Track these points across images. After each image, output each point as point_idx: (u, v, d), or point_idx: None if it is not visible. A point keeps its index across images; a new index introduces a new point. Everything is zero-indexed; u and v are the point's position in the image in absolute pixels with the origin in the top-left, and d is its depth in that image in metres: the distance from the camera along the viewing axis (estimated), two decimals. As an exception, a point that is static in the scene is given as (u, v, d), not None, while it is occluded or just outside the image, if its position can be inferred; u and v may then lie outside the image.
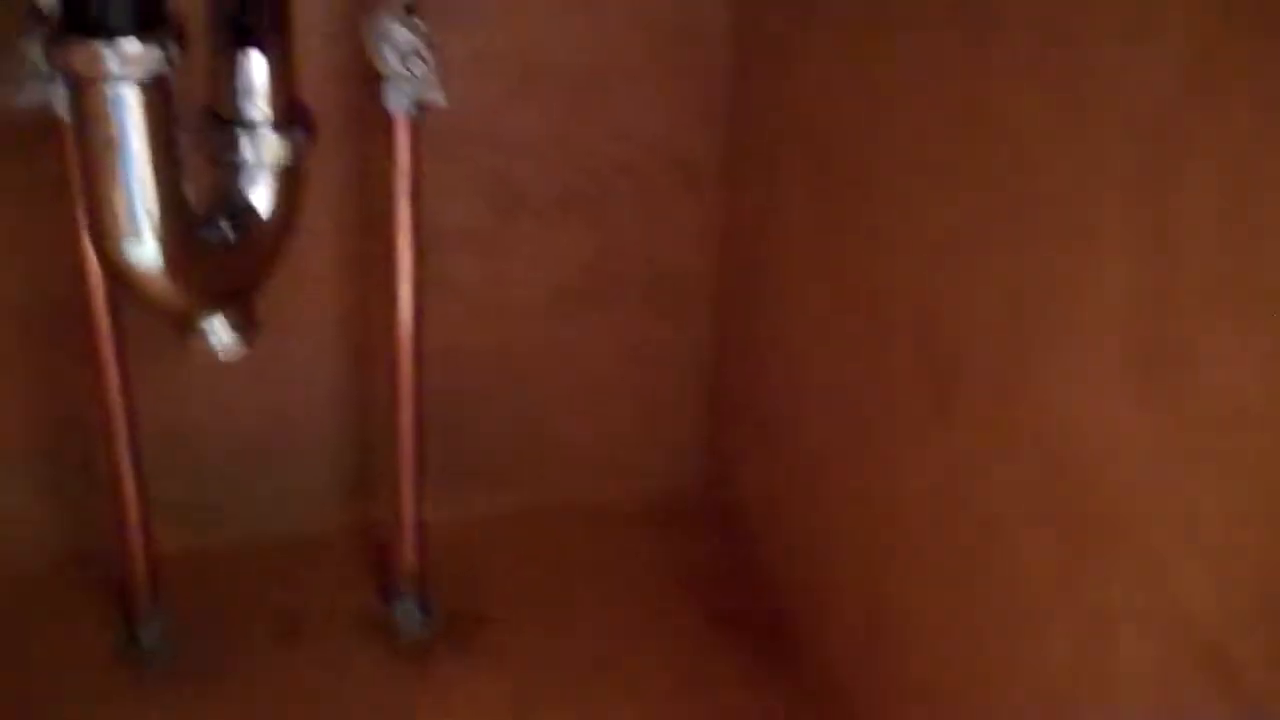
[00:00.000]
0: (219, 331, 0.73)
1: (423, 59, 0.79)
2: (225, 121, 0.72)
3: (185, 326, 0.73)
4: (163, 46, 0.61)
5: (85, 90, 0.61)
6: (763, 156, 0.95)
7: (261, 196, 0.73)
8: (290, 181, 0.74)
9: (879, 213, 0.79)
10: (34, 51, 0.77)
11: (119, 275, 0.66)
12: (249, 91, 0.72)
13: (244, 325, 0.74)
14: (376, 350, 0.94)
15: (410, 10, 0.79)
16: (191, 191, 0.67)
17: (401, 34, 0.79)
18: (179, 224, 0.65)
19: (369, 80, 0.81)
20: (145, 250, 0.64)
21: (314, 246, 0.91)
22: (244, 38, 0.71)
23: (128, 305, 0.83)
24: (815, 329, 0.89)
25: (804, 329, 0.91)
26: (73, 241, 0.80)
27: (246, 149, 0.72)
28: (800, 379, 0.92)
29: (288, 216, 0.75)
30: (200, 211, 0.70)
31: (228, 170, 0.73)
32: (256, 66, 0.72)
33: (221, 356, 0.73)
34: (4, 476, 0.97)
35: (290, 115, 0.74)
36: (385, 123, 0.82)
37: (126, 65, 0.60)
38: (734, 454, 1.06)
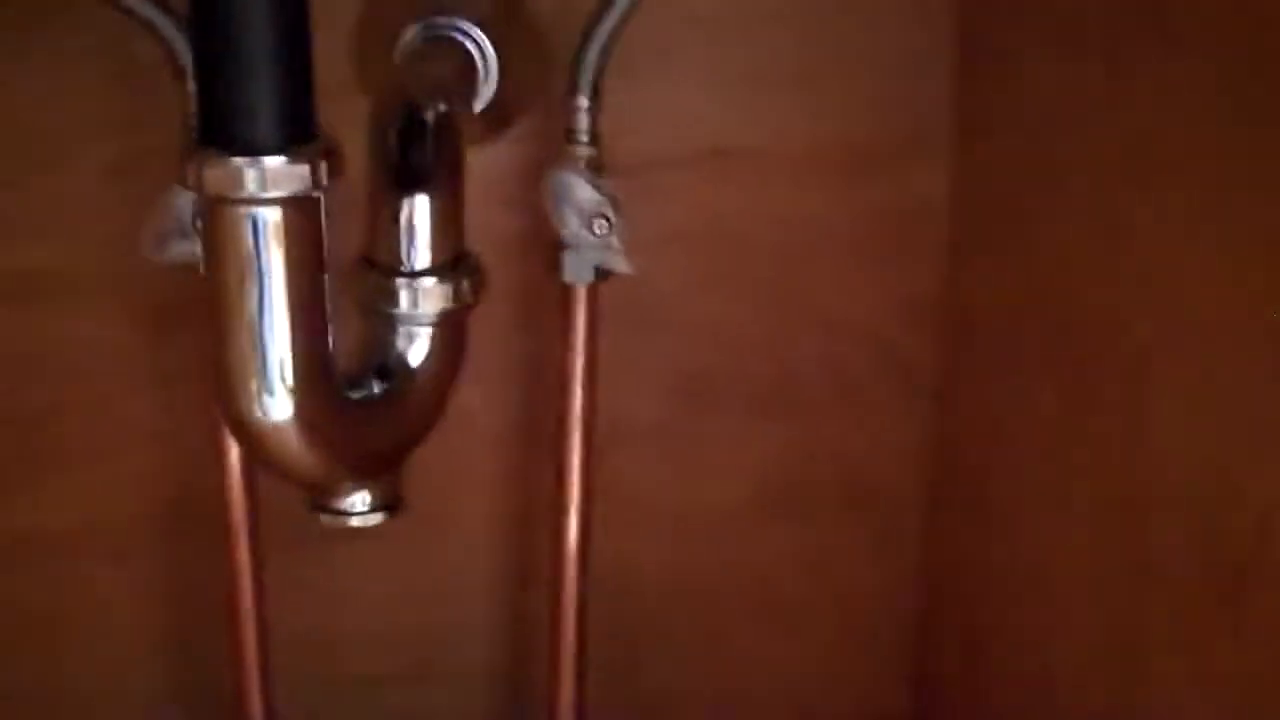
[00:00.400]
0: (358, 507, 0.63)
1: (609, 222, 0.71)
2: (382, 268, 0.63)
3: (319, 502, 0.63)
4: (312, 166, 0.52)
5: (219, 214, 0.52)
6: (989, 349, 0.83)
7: (419, 353, 0.64)
8: (451, 338, 0.65)
9: (1149, 419, 0.67)
10: (179, 202, 0.70)
11: (248, 437, 0.56)
12: (411, 237, 0.63)
13: (386, 501, 0.64)
14: (536, 560, 0.85)
15: (596, 167, 0.71)
16: (338, 343, 0.58)
17: (586, 192, 0.70)
18: (321, 378, 0.55)
19: (542, 247, 0.73)
20: (279, 407, 0.54)
21: (470, 438, 0.84)
22: (409, 178, 0.62)
23: (263, 482, 0.76)
24: (1052, 546, 0.77)
25: (1039, 549, 0.78)
26: (213, 428, 0.74)
27: (405, 299, 0.63)
28: (1030, 604, 0.79)
29: (446, 377, 0.65)
30: (346, 366, 0.61)
31: (382, 322, 0.63)
32: (420, 210, 0.63)
33: (358, 525, 0.63)
34: (132, 698, 0.89)
35: (456, 265, 0.64)
36: (559, 297, 0.73)
37: (268, 185, 0.51)
38: (945, 688, 0.93)
